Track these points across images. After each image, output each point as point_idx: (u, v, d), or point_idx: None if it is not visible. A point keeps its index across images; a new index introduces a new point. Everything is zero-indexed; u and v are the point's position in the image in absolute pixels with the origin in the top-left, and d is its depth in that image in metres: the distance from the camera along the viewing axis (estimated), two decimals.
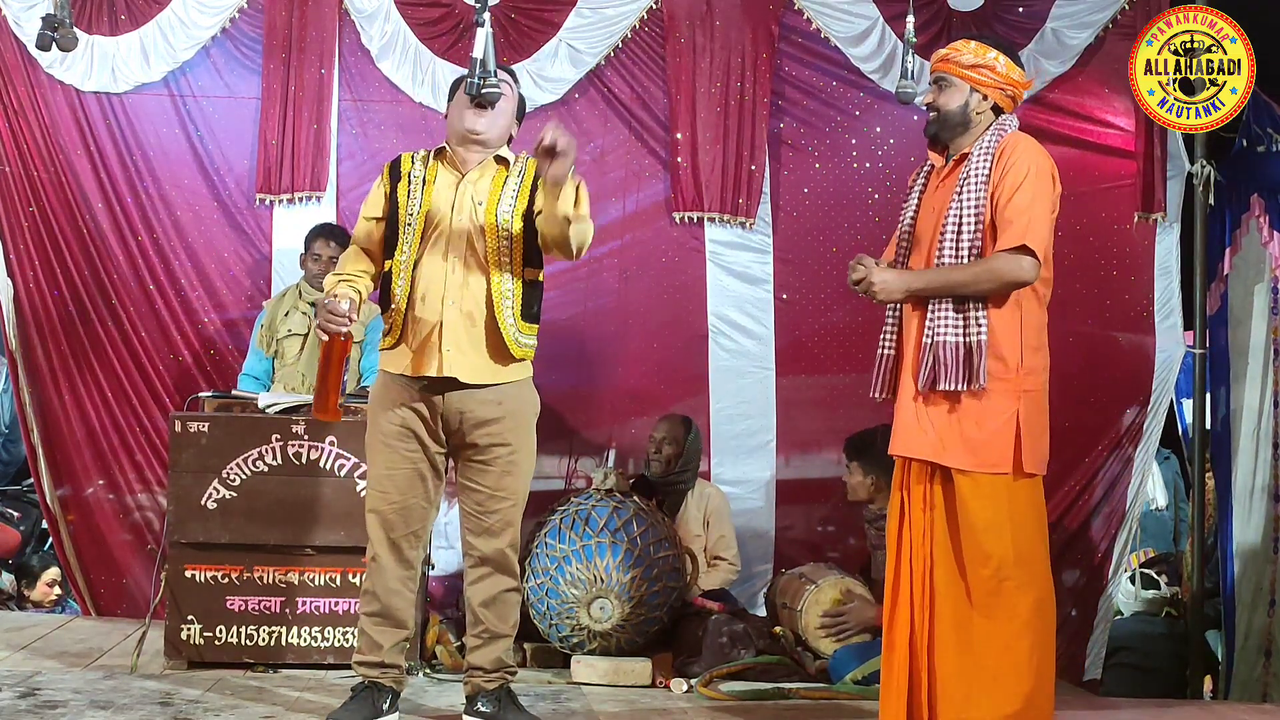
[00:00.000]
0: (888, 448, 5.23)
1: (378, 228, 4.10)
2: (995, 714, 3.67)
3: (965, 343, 3.71)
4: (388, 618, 4.08)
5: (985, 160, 3.76)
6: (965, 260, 3.73)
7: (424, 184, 4.03)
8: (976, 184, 3.75)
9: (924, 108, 3.97)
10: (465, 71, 4.11)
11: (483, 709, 4.07)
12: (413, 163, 4.09)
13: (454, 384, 3.96)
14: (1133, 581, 6.76)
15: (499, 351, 3.97)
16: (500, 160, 4.07)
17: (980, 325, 3.71)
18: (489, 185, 4.02)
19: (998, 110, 3.87)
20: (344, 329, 3.90)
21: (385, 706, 4.07)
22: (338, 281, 4.08)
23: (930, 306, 3.75)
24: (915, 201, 3.96)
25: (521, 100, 4.20)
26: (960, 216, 3.76)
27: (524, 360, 4.04)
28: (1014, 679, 3.70)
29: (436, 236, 3.99)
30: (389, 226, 4.06)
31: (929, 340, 3.75)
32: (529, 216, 4.00)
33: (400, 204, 4.04)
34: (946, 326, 3.73)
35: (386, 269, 4.05)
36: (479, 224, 3.97)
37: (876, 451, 5.23)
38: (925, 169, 4.01)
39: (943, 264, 3.76)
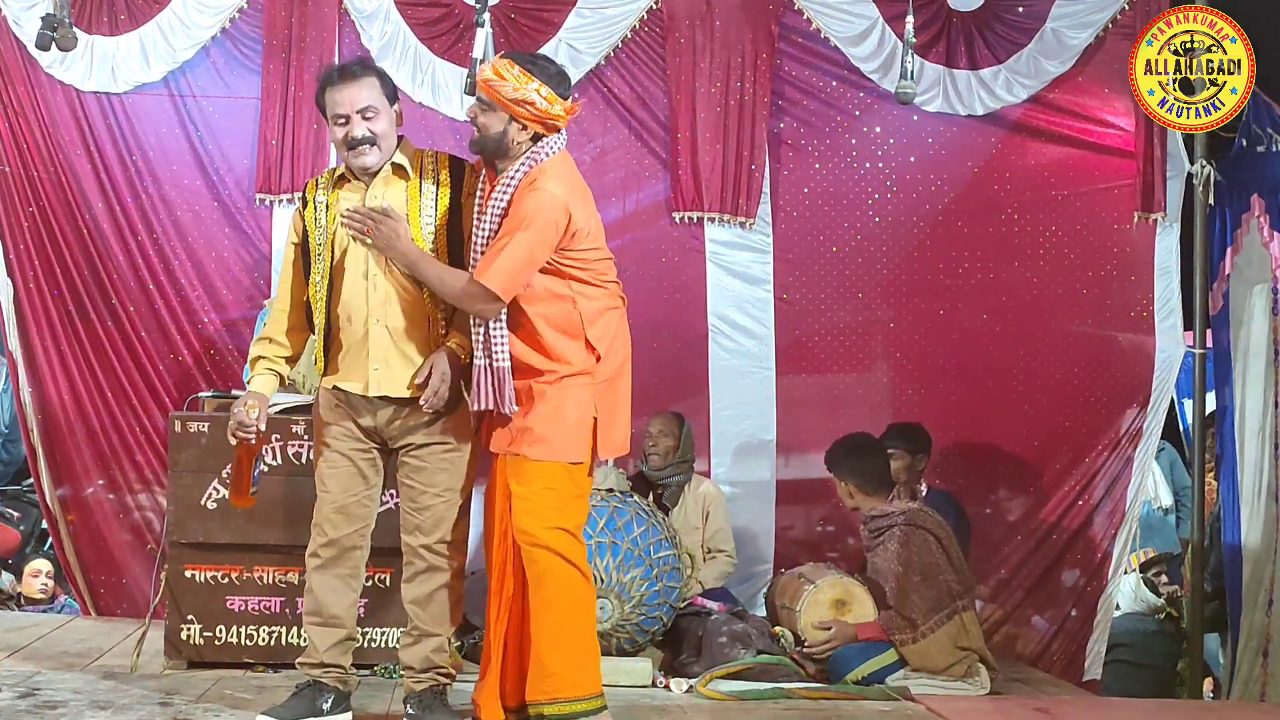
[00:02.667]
0: (860, 452, 5.30)
1: (295, 252, 4.12)
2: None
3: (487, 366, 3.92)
4: (322, 617, 4.08)
5: (508, 190, 3.89)
6: None
7: (327, 209, 4.02)
8: (495, 210, 3.90)
9: (469, 119, 4.03)
10: (319, 82, 4.08)
11: (409, 710, 4.04)
12: (317, 187, 4.08)
13: (387, 398, 3.98)
14: (1147, 586, 6.75)
15: None
16: (399, 169, 4.02)
17: (501, 350, 3.89)
18: (401, 198, 3.99)
19: (537, 136, 3.94)
20: (251, 437, 4.01)
21: (326, 706, 4.04)
22: (257, 361, 4.14)
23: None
24: (475, 210, 4.03)
25: (390, 85, 4.08)
26: (478, 239, 3.93)
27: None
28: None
29: (352, 258, 3.99)
30: (303, 253, 4.08)
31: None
32: (452, 227, 3.98)
33: (310, 231, 4.06)
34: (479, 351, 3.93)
35: (305, 297, 4.08)
36: None
37: (849, 461, 5.26)
38: (483, 176, 4.07)
39: None
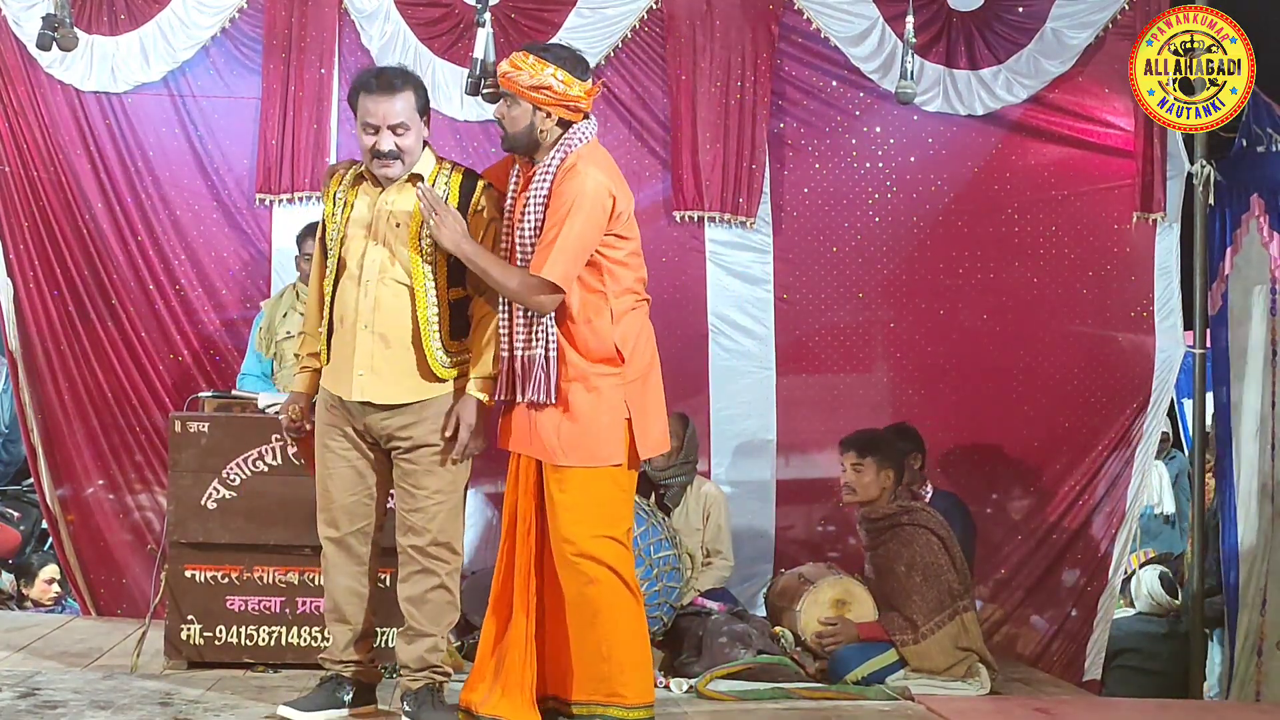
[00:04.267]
0: (908, 440, 5.25)
1: (321, 247, 4.16)
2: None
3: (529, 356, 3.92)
4: (337, 614, 4.13)
5: (546, 179, 3.91)
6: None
7: (345, 206, 4.05)
8: (536, 204, 3.92)
9: (496, 120, 4.05)
10: (356, 81, 4.09)
11: (405, 708, 4.07)
12: (340, 184, 4.10)
13: (371, 403, 4.01)
14: (1163, 583, 6.72)
15: (420, 372, 4.00)
16: (414, 176, 4.03)
17: (550, 340, 3.90)
18: (409, 206, 4.00)
19: (565, 123, 3.96)
20: (303, 434, 4.17)
21: (348, 699, 4.11)
22: (297, 363, 4.25)
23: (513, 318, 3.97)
24: (508, 206, 4.05)
25: (424, 97, 4.09)
26: (522, 234, 3.94)
27: (447, 380, 4.03)
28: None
29: (351, 259, 4.01)
30: (322, 246, 4.13)
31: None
32: None
33: (326, 226, 4.09)
34: (518, 340, 3.94)
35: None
36: (399, 245, 3.98)
37: (889, 447, 5.24)
38: (515, 171, 4.08)
39: None
